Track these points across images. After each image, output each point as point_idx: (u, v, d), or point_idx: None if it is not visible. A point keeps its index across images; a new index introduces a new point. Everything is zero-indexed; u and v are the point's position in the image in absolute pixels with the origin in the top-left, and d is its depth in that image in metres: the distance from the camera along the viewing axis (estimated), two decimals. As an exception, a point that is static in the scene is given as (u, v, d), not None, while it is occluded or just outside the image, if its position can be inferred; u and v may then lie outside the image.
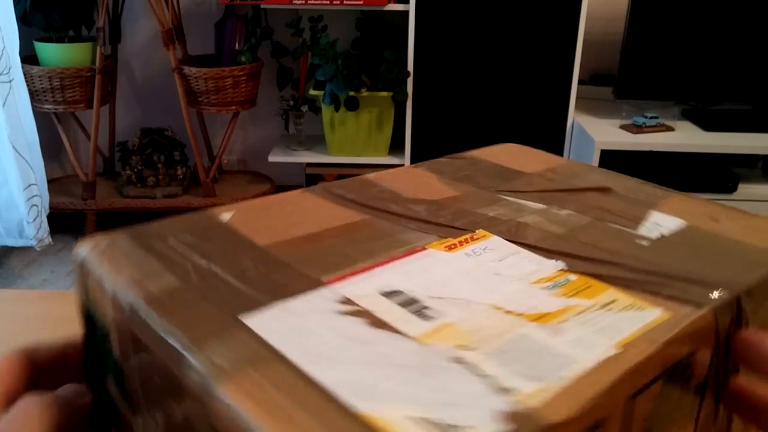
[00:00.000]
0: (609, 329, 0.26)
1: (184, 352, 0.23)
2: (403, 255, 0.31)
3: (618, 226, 0.37)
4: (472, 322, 0.26)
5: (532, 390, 0.22)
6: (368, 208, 0.36)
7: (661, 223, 0.38)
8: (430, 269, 0.30)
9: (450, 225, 0.35)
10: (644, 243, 0.35)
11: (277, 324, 0.25)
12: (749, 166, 2.10)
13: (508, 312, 0.27)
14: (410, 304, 0.27)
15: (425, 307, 0.27)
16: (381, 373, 0.23)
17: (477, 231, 0.35)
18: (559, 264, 0.32)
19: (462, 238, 0.34)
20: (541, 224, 0.36)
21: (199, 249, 0.30)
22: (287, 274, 0.28)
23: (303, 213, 0.34)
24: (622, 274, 0.31)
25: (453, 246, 0.33)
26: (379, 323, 0.25)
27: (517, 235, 0.34)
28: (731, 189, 1.95)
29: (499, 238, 0.34)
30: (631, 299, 0.29)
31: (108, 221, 2.31)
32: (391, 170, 0.42)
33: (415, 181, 0.40)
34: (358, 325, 0.25)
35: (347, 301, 0.27)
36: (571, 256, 0.33)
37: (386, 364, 0.23)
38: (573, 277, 0.30)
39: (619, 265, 0.32)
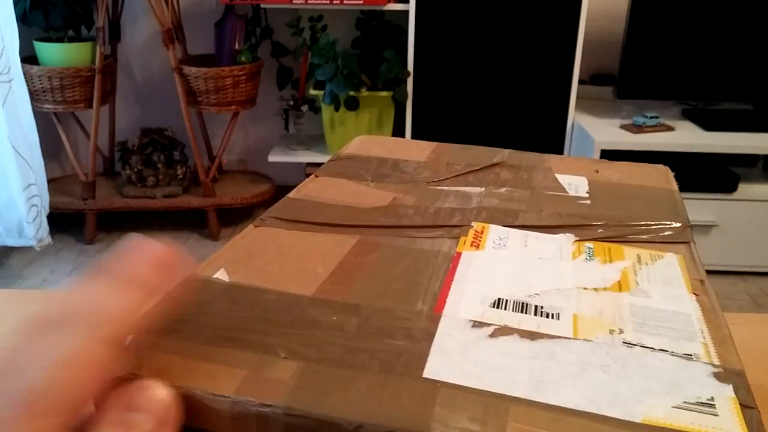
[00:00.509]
0: (668, 281, 0.31)
1: None
2: (452, 266, 0.31)
3: (552, 192, 0.41)
4: (584, 307, 0.28)
5: (698, 351, 0.26)
6: (346, 228, 0.35)
7: (573, 183, 0.43)
8: (489, 271, 0.31)
9: (437, 225, 0.36)
10: (586, 202, 0.40)
11: (459, 368, 0.23)
12: (749, 165, 2.10)
13: (596, 289, 0.30)
14: (523, 307, 0.28)
15: (537, 307, 0.28)
16: (594, 378, 0.23)
17: (474, 224, 0.36)
18: (570, 236, 0.35)
19: (471, 235, 0.35)
20: (501, 205, 0.39)
21: (253, 320, 0.26)
22: (385, 317, 0.26)
23: (292, 249, 0.32)
24: (612, 233, 0.36)
25: (474, 244, 0.34)
26: (530, 334, 0.26)
27: (502, 220, 0.37)
28: (731, 189, 1.95)
29: (499, 226, 0.36)
30: (645, 252, 0.34)
31: (108, 221, 2.31)
32: (308, 185, 0.41)
33: (345, 190, 0.40)
34: (519, 342, 0.25)
35: (478, 324, 0.26)
36: (564, 227, 0.36)
37: (586, 369, 0.24)
38: (590, 245, 0.34)
39: (597, 225, 0.37)
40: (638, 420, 0.21)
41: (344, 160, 0.45)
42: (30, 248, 2.00)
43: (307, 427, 0.21)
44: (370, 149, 0.48)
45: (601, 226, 0.37)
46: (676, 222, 0.38)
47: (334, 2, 1.98)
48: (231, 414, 0.21)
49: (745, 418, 0.22)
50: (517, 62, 2.01)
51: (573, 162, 0.47)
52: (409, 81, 2.03)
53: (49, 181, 2.07)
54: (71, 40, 2.06)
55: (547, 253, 0.33)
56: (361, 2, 1.97)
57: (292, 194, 0.39)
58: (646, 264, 0.33)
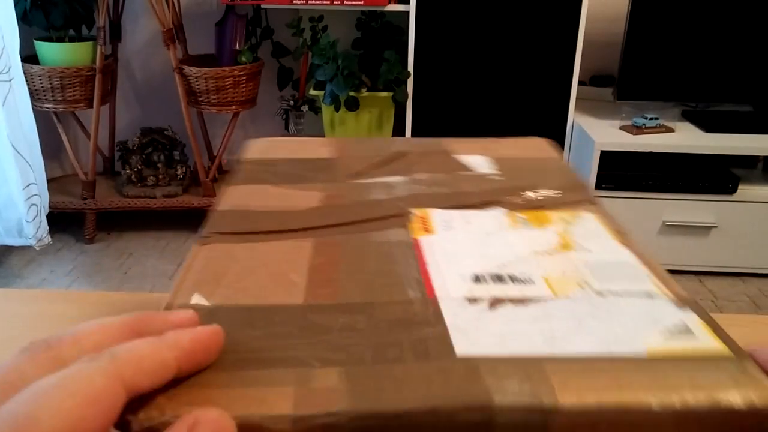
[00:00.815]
0: (597, 236, 0.35)
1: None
2: (418, 253, 0.33)
3: (465, 173, 0.44)
4: (548, 270, 0.31)
5: (653, 289, 0.30)
6: (294, 233, 0.35)
7: (478, 162, 0.46)
8: (452, 251, 0.33)
9: (380, 217, 0.37)
10: (499, 178, 0.43)
11: (482, 342, 0.25)
12: (749, 167, 2.10)
13: (548, 253, 0.33)
14: (499, 278, 0.30)
15: (511, 276, 0.30)
16: (592, 327, 0.26)
17: (415, 210, 0.38)
18: (501, 209, 0.38)
19: (418, 221, 0.37)
20: (427, 190, 0.41)
21: (263, 337, 0.25)
22: (387, 310, 0.27)
23: (254, 262, 0.32)
24: (533, 202, 0.39)
25: (425, 229, 0.36)
26: (520, 301, 0.28)
27: (435, 203, 0.39)
28: (731, 190, 1.95)
29: (437, 210, 0.38)
30: (566, 214, 0.38)
31: (108, 221, 2.31)
32: (229, 195, 0.40)
33: (270, 195, 0.40)
34: (516, 309, 0.27)
35: (473, 300, 0.28)
36: (491, 203, 0.39)
37: (581, 321, 0.27)
38: (520, 215, 0.37)
39: (516, 197, 0.40)
40: (645, 354, 0.25)
41: (252, 166, 0.44)
42: (29, 247, 2.00)
43: (376, 427, 0.21)
44: (270, 152, 0.47)
45: (519, 197, 0.40)
46: (576, 185, 0.42)
47: (334, 3, 1.98)
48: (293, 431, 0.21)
49: (715, 333, 0.26)
50: (517, 63, 2.01)
51: (468, 143, 0.50)
52: (410, 82, 2.03)
53: (49, 181, 2.07)
54: (72, 39, 2.06)
55: (491, 227, 0.36)
56: (362, 3, 1.97)
57: (220, 207, 0.38)
58: (572, 224, 0.36)
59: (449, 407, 0.21)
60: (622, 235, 0.35)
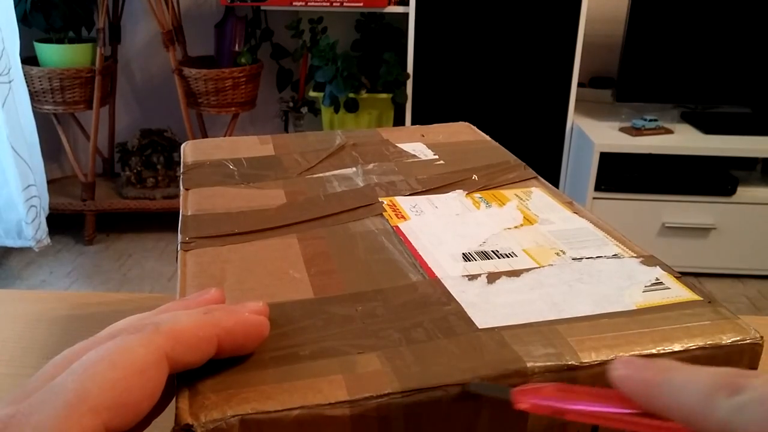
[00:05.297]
0: (551, 209, 0.37)
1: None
2: (404, 239, 0.34)
3: (410, 160, 0.45)
4: (525, 242, 0.33)
5: (618, 251, 0.32)
6: (275, 230, 0.35)
7: (416, 149, 0.47)
8: (432, 234, 0.34)
9: (352, 208, 0.38)
10: (440, 163, 0.45)
11: (496, 313, 0.27)
12: (748, 168, 2.10)
13: (516, 227, 0.35)
14: (485, 255, 0.32)
15: (494, 251, 0.32)
16: (582, 290, 0.29)
17: (383, 199, 0.39)
18: (460, 192, 0.40)
19: (389, 209, 0.37)
20: (383, 179, 0.42)
21: (292, 333, 0.26)
22: (398, 295, 0.28)
23: (249, 263, 0.32)
24: (481, 183, 0.41)
25: (399, 216, 0.37)
26: (512, 273, 0.30)
27: (395, 191, 0.40)
28: (730, 192, 1.95)
29: (402, 197, 0.39)
30: (518, 191, 0.40)
31: (107, 222, 2.31)
32: (191, 199, 0.39)
33: (233, 196, 0.40)
34: (511, 281, 0.29)
35: (472, 276, 0.30)
36: (448, 186, 0.41)
37: (571, 285, 0.29)
38: (478, 195, 0.39)
39: (468, 179, 0.42)
40: (634, 307, 0.27)
41: (200, 169, 0.44)
42: (29, 249, 2.00)
43: (425, 402, 0.22)
44: (209, 153, 0.47)
45: (468, 179, 0.42)
46: (514, 163, 0.44)
47: (334, 4, 1.98)
48: (351, 416, 0.22)
49: (684, 284, 0.29)
50: (516, 65, 2.01)
51: (401, 132, 0.51)
52: (409, 83, 2.03)
53: (49, 182, 2.07)
54: (71, 41, 2.06)
55: (457, 209, 0.37)
56: (361, 4, 1.97)
57: (188, 212, 0.38)
58: (527, 200, 0.38)
59: (491, 376, 0.23)
60: (571, 204, 0.38)
